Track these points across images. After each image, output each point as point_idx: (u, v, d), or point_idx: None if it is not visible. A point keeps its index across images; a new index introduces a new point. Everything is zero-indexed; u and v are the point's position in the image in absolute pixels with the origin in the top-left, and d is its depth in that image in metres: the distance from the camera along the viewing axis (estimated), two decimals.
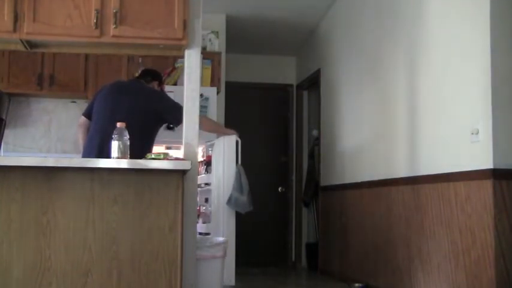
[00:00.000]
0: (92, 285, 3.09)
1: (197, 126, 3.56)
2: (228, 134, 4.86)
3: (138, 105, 4.11)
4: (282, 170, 7.87)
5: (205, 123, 4.37)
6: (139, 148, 3.57)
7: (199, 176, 4.79)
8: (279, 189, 7.82)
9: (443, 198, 4.10)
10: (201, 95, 5.13)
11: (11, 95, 5.95)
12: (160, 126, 4.26)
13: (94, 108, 4.25)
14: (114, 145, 3.14)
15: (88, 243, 3.11)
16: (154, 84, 4.45)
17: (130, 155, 3.19)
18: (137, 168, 3.12)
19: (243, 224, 7.44)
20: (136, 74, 4.98)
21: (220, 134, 4.95)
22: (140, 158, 3.27)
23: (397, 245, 4.76)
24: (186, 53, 3.60)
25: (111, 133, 3.22)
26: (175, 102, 4.12)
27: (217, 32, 6.46)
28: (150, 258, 3.15)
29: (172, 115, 4.09)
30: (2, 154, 5.78)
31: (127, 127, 3.20)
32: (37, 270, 3.06)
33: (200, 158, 5.20)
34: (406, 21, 4.84)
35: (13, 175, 3.08)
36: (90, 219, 3.12)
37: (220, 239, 3.97)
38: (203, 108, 5.36)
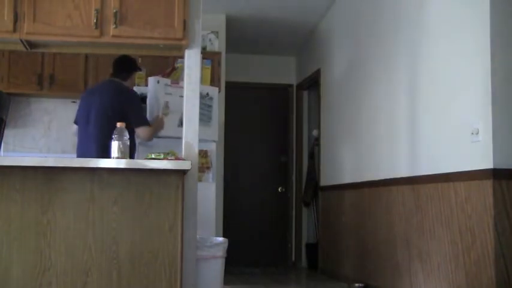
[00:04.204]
0: (92, 285, 3.09)
1: (197, 126, 3.56)
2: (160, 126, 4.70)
3: (106, 105, 4.28)
4: (282, 170, 7.87)
5: (143, 134, 4.34)
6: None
7: None
8: (279, 189, 7.81)
9: (443, 198, 4.10)
10: (207, 94, 5.13)
11: (11, 95, 5.94)
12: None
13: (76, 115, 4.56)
14: (114, 145, 3.14)
15: (88, 243, 3.11)
16: (133, 76, 4.63)
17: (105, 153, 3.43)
18: (137, 168, 3.13)
19: (244, 224, 7.50)
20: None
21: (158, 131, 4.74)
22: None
23: (397, 245, 4.76)
24: (186, 53, 3.60)
25: (88, 136, 3.40)
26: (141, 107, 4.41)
27: (217, 32, 6.46)
28: (150, 258, 3.15)
29: (135, 116, 4.25)
30: (2, 154, 5.77)
31: (103, 126, 3.40)
32: (37, 270, 3.06)
33: None
34: (406, 21, 4.84)
35: (13, 175, 3.09)
36: (90, 219, 3.13)
37: (220, 239, 3.97)
38: (209, 108, 5.20)
